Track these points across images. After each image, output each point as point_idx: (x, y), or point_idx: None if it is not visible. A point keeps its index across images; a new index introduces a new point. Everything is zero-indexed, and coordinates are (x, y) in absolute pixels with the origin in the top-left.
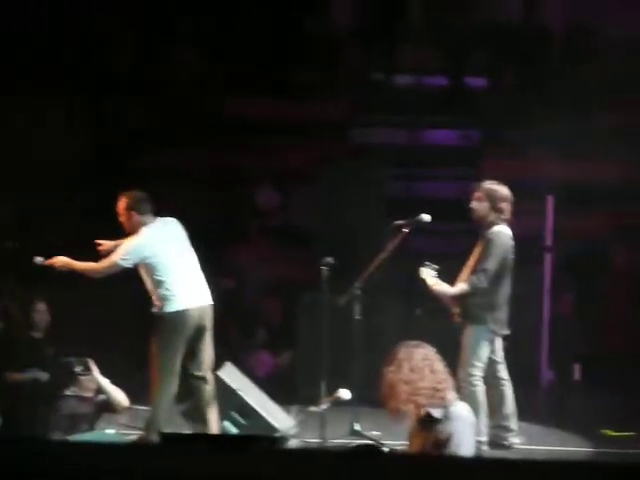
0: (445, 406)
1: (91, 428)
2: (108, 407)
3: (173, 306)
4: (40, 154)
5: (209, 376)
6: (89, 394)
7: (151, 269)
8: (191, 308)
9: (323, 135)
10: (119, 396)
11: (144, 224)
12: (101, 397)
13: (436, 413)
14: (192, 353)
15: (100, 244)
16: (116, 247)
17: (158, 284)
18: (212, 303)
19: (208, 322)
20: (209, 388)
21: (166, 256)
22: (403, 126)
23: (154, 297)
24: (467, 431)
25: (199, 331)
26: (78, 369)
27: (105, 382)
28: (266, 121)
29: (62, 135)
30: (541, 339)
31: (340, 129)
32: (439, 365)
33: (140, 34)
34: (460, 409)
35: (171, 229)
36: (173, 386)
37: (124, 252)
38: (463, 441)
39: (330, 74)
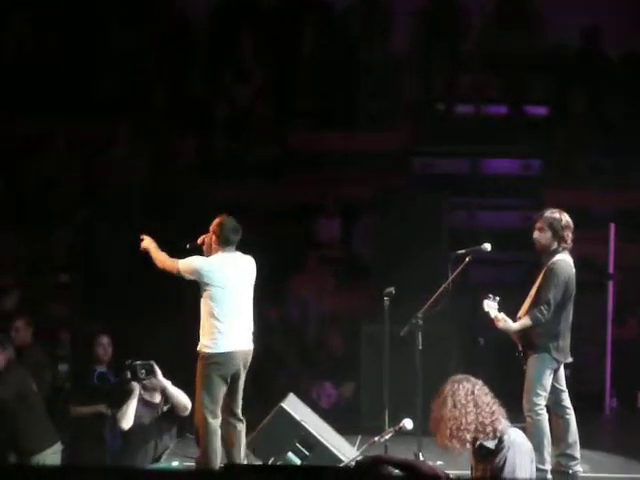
0: (497, 436)
1: (158, 442)
2: (172, 412)
3: (222, 347)
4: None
5: (241, 416)
6: (155, 399)
7: (208, 298)
8: (237, 351)
9: (384, 166)
10: (182, 398)
11: (222, 251)
12: (166, 407)
13: (489, 444)
14: (230, 393)
15: None
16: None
17: (210, 319)
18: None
19: (247, 364)
20: (243, 427)
21: (229, 291)
22: (464, 155)
23: (204, 333)
24: (523, 456)
25: (238, 373)
26: (142, 372)
27: (168, 384)
28: (327, 152)
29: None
30: (605, 367)
31: (401, 159)
32: (485, 398)
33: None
34: (514, 436)
35: (243, 264)
36: (216, 425)
37: (189, 265)
38: (519, 466)
39: (391, 104)
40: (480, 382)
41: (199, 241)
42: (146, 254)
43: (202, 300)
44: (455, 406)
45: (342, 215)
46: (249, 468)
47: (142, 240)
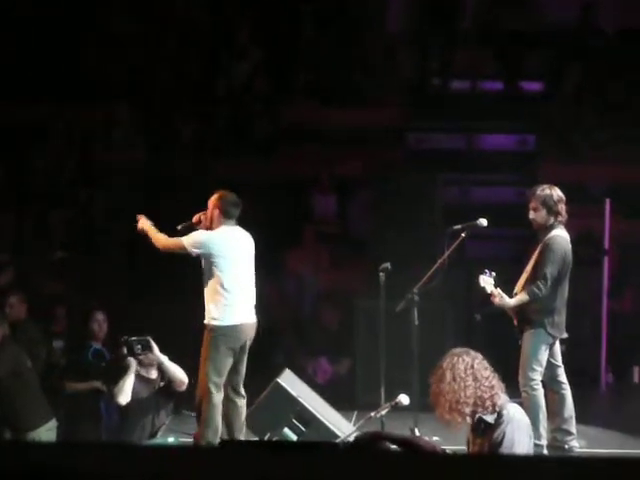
0: (497, 411)
1: (155, 418)
2: (169, 387)
3: (229, 320)
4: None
5: (243, 391)
6: (152, 375)
7: (215, 269)
8: (244, 323)
9: (379, 142)
10: (179, 373)
11: (224, 224)
12: (162, 382)
13: (488, 418)
14: (234, 367)
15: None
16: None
17: (217, 291)
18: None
19: (252, 338)
20: (244, 402)
21: (232, 262)
22: (459, 131)
23: (210, 307)
24: (521, 432)
25: (244, 347)
26: (139, 348)
27: (165, 359)
28: (321, 128)
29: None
30: (600, 342)
31: (396, 135)
32: (484, 372)
33: (199, 49)
34: (512, 411)
35: (244, 238)
36: (219, 399)
37: (195, 240)
38: (517, 442)
39: (385, 80)
40: (480, 356)
41: (194, 220)
42: (144, 235)
43: (207, 273)
44: (454, 379)
45: (338, 191)
46: (245, 444)
47: (138, 221)
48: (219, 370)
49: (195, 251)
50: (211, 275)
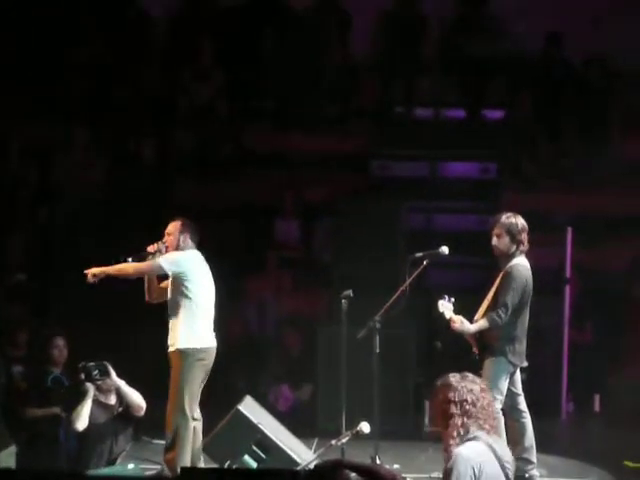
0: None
1: (113, 444)
2: (127, 412)
3: (205, 343)
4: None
5: (200, 414)
6: (110, 400)
7: (189, 292)
8: (213, 347)
9: (342, 168)
10: (137, 398)
11: (192, 248)
12: (120, 409)
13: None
14: None
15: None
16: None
17: (192, 315)
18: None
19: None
20: (200, 427)
21: (203, 285)
22: (422, 159)
23: (183, 330)
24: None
25: (209, 371)
26: (96, 373)
27: (123, 384)
28: (286, 154)
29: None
30: (561, 371)
31: (360, 162)
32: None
33: (162, 63)
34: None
35: (207, 265)
36: (197, 420)
37: (170, 258)
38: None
39: (349, 107)
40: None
41: (151, 249)
42: (105, 278)
43: (179, 296)
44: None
45: (301, 216)
46: (206, 471)
47: (87, 275)
48: (193, 395)
49: (174, 269)
50: (185, 298)
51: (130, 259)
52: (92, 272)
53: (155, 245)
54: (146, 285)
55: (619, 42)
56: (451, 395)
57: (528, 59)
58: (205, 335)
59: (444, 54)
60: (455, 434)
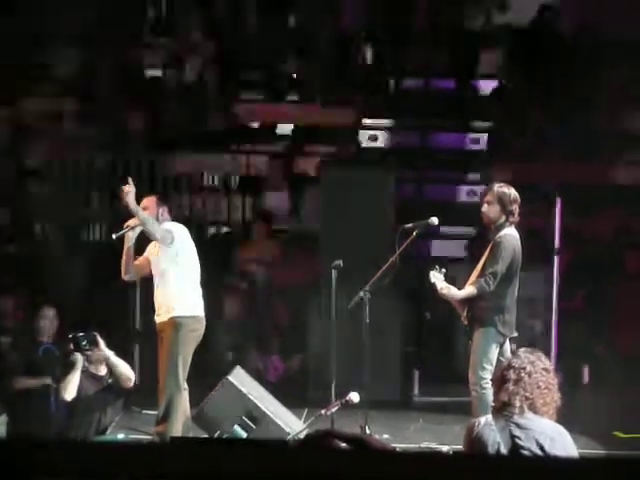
0: None
1: (103, 415)
2: (116, 384)
3: (197, 312)
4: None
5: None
6: (100, 371)
7: (182, 262)
8: (203, 316)
9: (333, 139)
10: (126, 369)
11: (167, 221)
12: (110, 380)
13: None
14: None
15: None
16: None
17: (184, 283)
18: None
19: None
20: (187, 397)
21: (193, 255)
22: (412, 129)
23: (178, 300)
24: None
25: (199, 340)
26: (85, 343)
27: (112, 354)
28: (274, 125)
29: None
30: (550, 341)
31: (349, 132)
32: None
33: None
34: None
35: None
36: (185, 390)
37: (168, 229)
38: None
39: (339, 78)
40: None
41: (132, 223)
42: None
43: (171, 268)
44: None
45: (290, 187)
46: (195, 441)
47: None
48: (186, 364)
49: (171, 237)
50: (177, 267)
51: (115, 235)
52: (127, 191)
53: (134, 220)
54: (124, 261)
55: (612, 11)
56: None
57: (520, 30)
58: (197, 304)
59: (435, 24)
60: None
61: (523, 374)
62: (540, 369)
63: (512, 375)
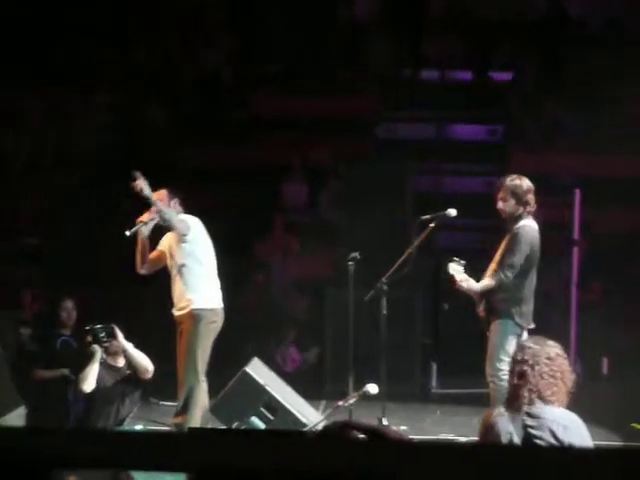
0: None
1: (121, 406)
2: (134, 375)
3: (217, 304)
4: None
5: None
6: (118, 363)
7: (199, 254)
8: (222, 309)
9: (350, 130)
10: (144, 361)
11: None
12: (128, 372)
13: None
14: None
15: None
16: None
17: (204, 276)
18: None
19: None
20: (206, 388)
21: (210, 247)
22: (429, 121)
23: (198, 292)
24: None
25: (218, 333)
26: (103, 335)
27: (130, 347)
28: (292, 117)
29: (87, 130)
30: (569, 333)
31: (367, 124)
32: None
33: (166, 34)
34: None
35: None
36: (204, 382)
37: (186, 222)
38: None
39: (356, 69)
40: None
41: (146, 218)
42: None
43: (189, 261)
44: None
45: (308, 180)
46: (213, 432)
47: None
48: (206, 357)
49: (187, 228)
50: (195, 260)
51: (129, 232)
52: (143, 219)
53: (147, 215)
54: (139, 254)
55: (629, 3)
56: None
57: (536, 20)
58: (215, 296)
59: (451, 15)
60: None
61: (525, 367)
62: (544, 359)
63: (516, 368)
